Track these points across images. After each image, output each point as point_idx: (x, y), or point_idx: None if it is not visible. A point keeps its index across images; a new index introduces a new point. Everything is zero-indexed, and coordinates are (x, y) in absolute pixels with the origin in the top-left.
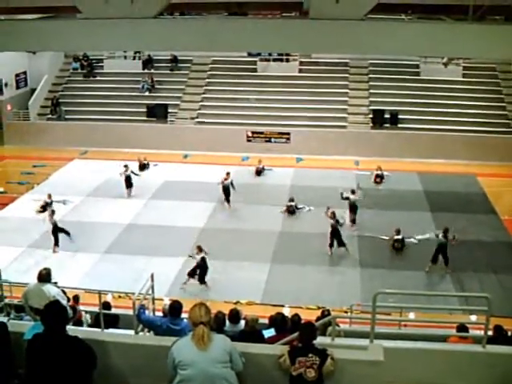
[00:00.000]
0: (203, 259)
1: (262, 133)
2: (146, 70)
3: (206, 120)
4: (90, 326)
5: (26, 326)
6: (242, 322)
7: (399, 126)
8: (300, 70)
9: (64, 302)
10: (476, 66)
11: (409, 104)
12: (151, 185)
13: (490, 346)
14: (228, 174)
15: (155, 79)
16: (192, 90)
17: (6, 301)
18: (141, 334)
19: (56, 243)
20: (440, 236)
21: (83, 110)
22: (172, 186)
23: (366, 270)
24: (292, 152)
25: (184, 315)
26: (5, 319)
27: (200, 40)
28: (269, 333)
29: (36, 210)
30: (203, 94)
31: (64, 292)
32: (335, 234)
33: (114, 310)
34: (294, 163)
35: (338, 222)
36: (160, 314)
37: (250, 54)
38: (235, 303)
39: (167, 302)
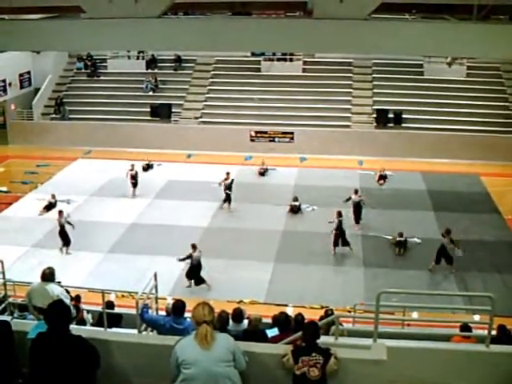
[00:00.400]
0: (192, 257)
1: (265, 132)
2: (149, 70)
3: (209, 120)
4: (92, 325)
5: (30, 325)
6: (246, 322)
7: (403, 125)
8: (304, 70)
9: (67, 301)
10: (480, 66)
11: (412, 104)
12: (155, 184)
13: (493, 345)
14: (228, 174)
15: (159, 79)
16: (196, 90)
17: (10, 300)
18: (144, 333)
19: (66, 243)
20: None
21: (87, 110)
22: (175, 185)
23: (370, 270)
24: (295, 151)
25: (187, 314)
26: (8, 318)
27: (204, 40)
28: (272, 332)
29: (40, 211)
30: (207, 93)
31: (67, 291)
32: (340, 233)
33: (117, 310)
34: (297, 163)
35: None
36: (163, 313)
37: (253, 54)
38: (238, 302)
39: (170, 301)
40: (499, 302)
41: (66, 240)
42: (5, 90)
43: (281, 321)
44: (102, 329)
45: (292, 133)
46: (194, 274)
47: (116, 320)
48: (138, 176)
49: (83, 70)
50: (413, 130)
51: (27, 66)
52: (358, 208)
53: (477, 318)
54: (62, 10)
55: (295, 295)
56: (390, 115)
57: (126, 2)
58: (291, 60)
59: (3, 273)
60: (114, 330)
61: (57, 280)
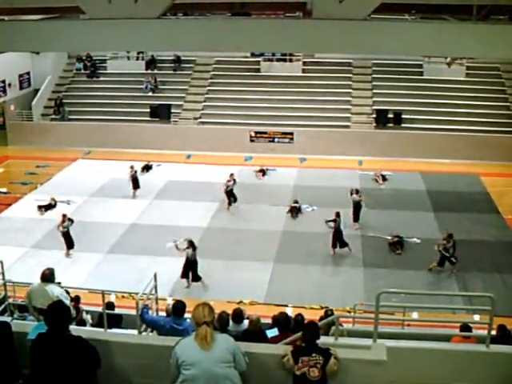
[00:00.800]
0: (189, 255)
1: (265, 133)
2: (149, 71)
3: (209, 120)
4: (92, 325)
5: (30, 326)
6: (246, 322)
7: (402, 125)
8: (303, 70)
9: (67, 302)
10: (479, 66)
11: (412, 104)
12: (154, 185)
13: (493, 345)
14: (231, 175)
15: (158, 79)
16: (195, 91)
17: (10, 301)
18: (144, 333)
19: (70, 246)
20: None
21: (86, 111)
22: (175, 186)
23: (369, 270)
24: (295, 152)
25: (187, 315)
26: (8, 319)
27: (203, 40)
28: (272, 332)
29: (39, 210)
30: (206, 94)
31: (67, 292)
32: (337, 233)
33: (117, 310)
34: (297, 163)
35: (326, 222)
36: (163, 313)
37: (253, 54)
38: (238, 303)
39: (170, 301)
40: (499, 302)
41: (70, 243)
42: (4, 91)
43: (281, 321)
44: (102, 329)
45: (292, 133)
46: (191, 270)
47: (116, 321)
48: (138, 177)
49: (83, 71)
50: (412, 130)
51: (27, 67)
52: (357, 207)
53: (477, 318)
54: (61, 11)
55: (295, 295)
56: (390, 115)
57: (126, 2)
58: (291, 60)
59: (3, 273)
60: (114, 330)
61: (57, 281)
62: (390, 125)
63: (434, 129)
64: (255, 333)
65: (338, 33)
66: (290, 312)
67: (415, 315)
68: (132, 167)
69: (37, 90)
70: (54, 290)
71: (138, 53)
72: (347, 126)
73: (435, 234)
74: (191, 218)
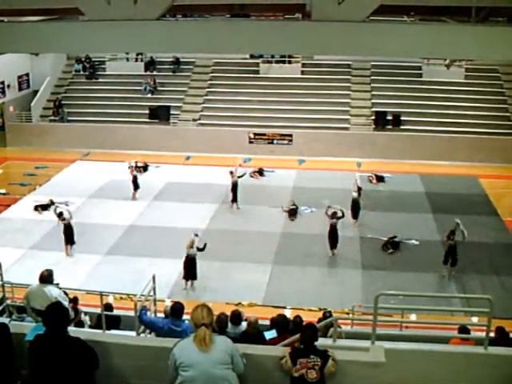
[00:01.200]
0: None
1: (264, 134)
2: (148, 72)
3: (208, 122)
4: (90, 327)
5: (28, 327)
6: (244, 324)
7: (401, 127)
8: (302, 72)
9: (65, 303)
10: (478, 68)
11: (411, 106)
12: (153, 186)
13: (491, 347)
14: (231, 172)
15: (157, 81)
16: (194, 92)
17: (8, 302)
18: (142, 335)
19: (71, 243)
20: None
21: (85, 112)
22: (174, 187)
23: (368, 272)
24: (294, 154)
25: (186, 316)
26: (6, 320)
27: (202, 42)
28: (270, 334)
29: (35, 209)
30: (205, 95)
31: (66, 293)
32: (333, 234)
33: (115, 312)
34: (296, 165)
35: (337, 218)
36: (162, 315)
37: (252, 56)
38: (237, 305)
39: (169, 303)
40: (497, 304)
41: (70, 238)
42: (3, 92)
43: (279, 323)
44: (100, 331)
45: (291, 135)
46: (192, 268)
47: (115, 322)
48: (138, 179)
49: (82, 72)
50: (411, 132)
51: (26, 68)
52: (356, 205)
53: (475, 320)
54: (60, 12)
55: (293, 297)
56: (389, 117)
57: (125, 4)
58: (290, 62)
59: (1, 275)
60: (113, 332)
61: (55, 282)
62: (389, 127)
63: (433, 131)
64: (253, 334)
65: (337, 34)
66: (289, 314)
67: (413, 317)
68: (132, 167)
69: (36, 92)
70: (52, 292)
71: (137, 54)
72: (346, 128)
73: (434, 235)
74: (190, 220)
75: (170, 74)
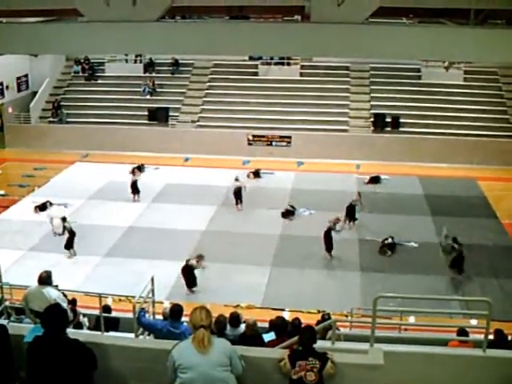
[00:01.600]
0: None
1: (263, 136)
2: (147, 74)
3: (207, 123)
4: (88, 328)
5: (27, 329)
6: (243, 326)
7: (400, 129)
8: (301, 74)
9: (64, 304)
10: (477, 70)
11: (410, 108)
12: (152, 188)
13: (490, 350)
14: (237, 179)
15: (156, 82)
16: (193, 94)
17: (7, 303)
18: (141, 337)
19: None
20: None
21: (84, 113)
22: (173, 189)
23: (367, 274)
24: (293, 156)
25: (184, 318)
26: (5, 322)
27: (201, 43)
28: (269, 336)
29: (35, 209)
30: (204, 97)
31: (64, 295)
32: (328, 238)
33: (114, 313)
34: (294, 167)
35: (334, 228)
36: (160, 317)
37: (251, 58)
38: (235, 307)
39: (167, 305)
40: (496, 306)
41: (70, 242)
42: (2, 93)
43: (278, 325)
44: (98, 332)
45: (289, 137)
46: (191, 277)
47: (113, 324)
48: (138, 183)
49: (81, 74)
50: (410, 134)
51: (25, 69)
52: (352, 209)
53: (474, 322)
54: (59, 13)
55: (292, 299)
56: (388, 119)
57: (124, 5)
58: (289, 64)
59: (0, 276)
60: (111, 333)
61: (54, 283)
62: (388, 129)
63: (432, 133)
64: (252, 337)
65: (336, 36)
66: (287, 316)
67: (412, 319)
68: (133, 171)
69: (35, 93)
70: (51, 293)
71: (136, 56)
72: (345, 130)
73: (433, 238)
74: (189, 221)
75: (169, 75)
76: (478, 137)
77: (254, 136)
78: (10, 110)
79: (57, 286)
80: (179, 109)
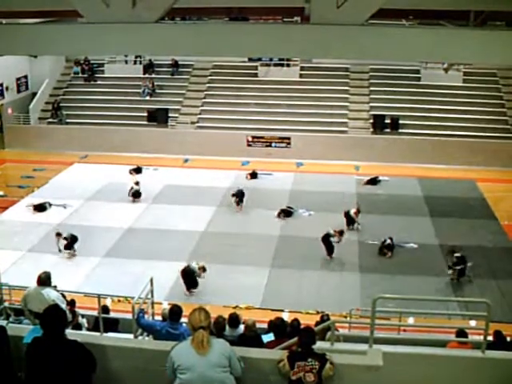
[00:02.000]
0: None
1: (262, 137)
2: (146, 75)
3: (206, 124)
4: (87, 329)
5: (26, 330)
6: (242, 327)
7: (400, 131)
8: (301, 75)
9: (63, 305)
10: (476, 72)
11: (409, 109)
12: (151, 189)
13: (489, 351)
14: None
15: (156, 84)
16: (193, 95)
17: (6, 304)
18: (140, 338)
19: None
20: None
21: (84, 114)
22: (172, 190)
23: (366, 275)
24: (292, 157)
25: (183, 319)
26: (4, 323)
27: (201, 45)
28: (268, 337)
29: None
30: (204, 98)
31: (63, 296)
32: (327, 241)
33: (113, 314)
34: (294, 168)
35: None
36: (159, 318)
37: (250, 59)
38: (234, 308)
39: (166, 306)
40: (495, 307)
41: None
42: (2, 94)
43: (277, 326)
44: (97, 333)
45: (289, 138)
46: (190, 280)
47: (112, 325)
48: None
49: (80, 75)
50: (409, 135)
51: (24, 70)
52: (349, 216)
53: (473, 323)
54: (59, 15)
55: (291, 300)
56: (387, 121)
57: (124, 6)
58: (288, 65)
59: None
60: (110, 334)
61: (53, 284)
62: (387, 130)
63: (431, 134)
64: (251, 338)
65: (335, 38)
66: (286, 317)
67: (411, 321)
68: (138, 183)
69: (34, 94)
70: (50, 294)
71: (136, 57)
72: (344, 131)
73: (432, 239)
74: (188, 222)
75: (169, 76)
76: (478, 138)
77: (253, 137)
78: (9, 110)
79: (55, 286)
80: (179, 110)
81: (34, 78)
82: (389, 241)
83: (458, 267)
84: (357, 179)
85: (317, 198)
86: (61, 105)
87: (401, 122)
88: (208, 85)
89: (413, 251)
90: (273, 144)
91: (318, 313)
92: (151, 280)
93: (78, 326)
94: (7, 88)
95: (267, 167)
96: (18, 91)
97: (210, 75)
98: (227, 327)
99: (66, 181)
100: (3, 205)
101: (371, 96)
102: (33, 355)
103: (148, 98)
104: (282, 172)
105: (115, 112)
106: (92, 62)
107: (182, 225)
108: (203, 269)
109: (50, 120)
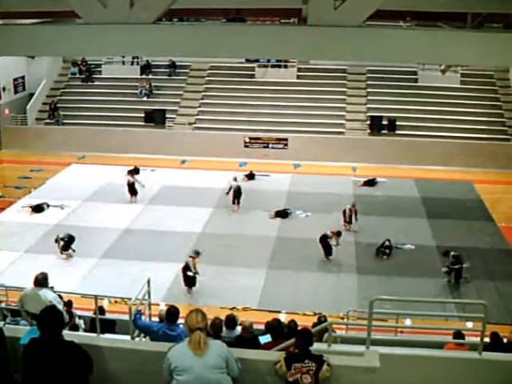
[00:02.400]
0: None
1: (259, 138)
2: (144, 76)
3: (203, 125)
4: (84, 330)
5: (23, 331)
6: (239, 328)
7: (397, 132)
8: (298, 77)
9: (60, 306)
10: (474, 74)
11: (407, 111)
12: (149, 190)
13: (486, 353)
14: (235, 179)
15: (153, 84)
16: (190, 96)
17: (3, 305)
18: (137, 339)
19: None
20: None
21: (81, 115)
22: (169, 191)
23: (363, 277)
24: (290, 158)
25: (180, 321)
26: (1, 324)
27: (198, 46)
28: (265, 339)
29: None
30: (201, 99)
31: (60, 297)
32: (325, 242)
33: (110, 315)
34: (291, 169)
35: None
36: (156, 319)
37: (248, 60)
38: (231, 309)
39: (163, 307)
40: (492, 309)
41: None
42: None
43: (274, 327)
44: (94, 335)
45: (286, 139)
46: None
47: (109, 326)
48: (136, 184)
49: (77, 75)
50: (407, 137)
51: (21, 71)
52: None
53: (470, 325)
54: (56, 15)
55: (288, 302)
56: (384, 122)
57: (121, 7)
58: (285, 67)
59: None
60: (107, 335)
61: (50, 285)
62: (385, 131)
63: (429, 136)
64: (248, 339)
65: (332, 39)
66: (283, 318)
67: (408, 322)
68: (131, 172)
69: (31, 94)
70: (47, 295)
71: (133, 58)
72: (341, 133)
73: (429, 240)
74: (185, 223)
75: (166, 77)
76: (475, 140)
77: (250, 138)
78: (6, 111)
79: (53, 287)
80: (176, 111)
81: (31, 78)
82: (387, 243)
83: (456, 266)
84: (353, 180)
85: (314, 200)
86: (58, 105)
87: (398, 123)
88: (205, 86)
89: (410, 253)
90: (270, 145)
91: (315, 314)
92: (148, 281)
93: (76, 328)
94: (4, 88)
95: (264, 168)
96: (16, 92)
97: (208, 76)
98: (224, 328)
99: (64, 181)
100: (0, 205)
101: (368, 97)
102: (29, 356)
103: (145, 98)
104: (279, 173)
105: (112, 113)
106: (89, 62)
107: (180, 226)
108: (196, 253)
109: (48, 121)
